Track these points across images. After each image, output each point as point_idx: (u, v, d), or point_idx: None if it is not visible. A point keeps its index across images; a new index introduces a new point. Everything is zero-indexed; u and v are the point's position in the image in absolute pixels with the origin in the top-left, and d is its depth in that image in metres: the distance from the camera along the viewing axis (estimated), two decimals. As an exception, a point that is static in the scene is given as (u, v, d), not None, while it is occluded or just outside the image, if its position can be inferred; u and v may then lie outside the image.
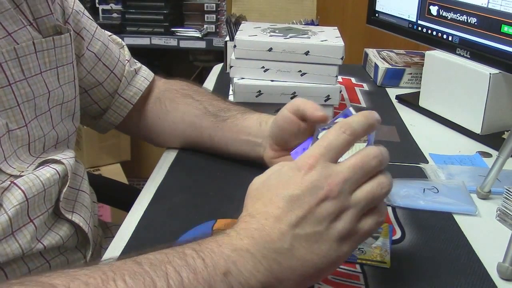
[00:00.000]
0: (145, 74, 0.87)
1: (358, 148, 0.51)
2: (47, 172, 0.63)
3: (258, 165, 0.78)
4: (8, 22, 0.62)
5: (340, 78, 1.18)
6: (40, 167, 0.64)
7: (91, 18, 0.80)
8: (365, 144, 0.52)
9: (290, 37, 0.93)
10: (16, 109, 0.62)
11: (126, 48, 0.87)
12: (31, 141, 0.65)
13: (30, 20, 0.65)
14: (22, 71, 0.63)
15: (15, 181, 0.60)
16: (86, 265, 0.42)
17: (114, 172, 2.02)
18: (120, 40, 0.87)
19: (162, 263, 0.41)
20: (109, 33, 0.85)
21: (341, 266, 0.58)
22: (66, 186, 0.66)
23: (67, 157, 0.68)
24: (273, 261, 0.44)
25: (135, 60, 0.88)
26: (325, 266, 0.46)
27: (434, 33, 1.05)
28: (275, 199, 0.46)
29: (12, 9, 0.62)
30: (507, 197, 0.67)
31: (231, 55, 0.94)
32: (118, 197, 1.05)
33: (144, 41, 2.04)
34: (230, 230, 0.46)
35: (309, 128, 0.67)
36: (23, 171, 0.62)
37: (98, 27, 0.81)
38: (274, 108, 0.92)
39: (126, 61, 0.84)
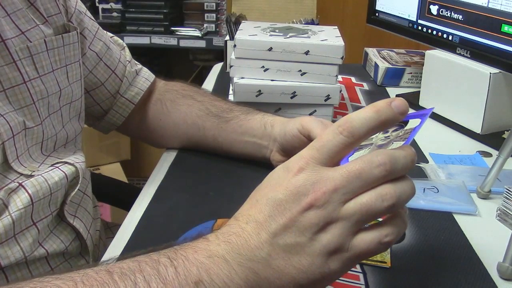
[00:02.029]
0: (146, 75, 0.87)
1: (396, 145, 0.42)
2: (56, 176, 0.63)
3: (258, 165, 0.78)
4: (20, 21, 0.62)
5: (340, 78, 1.18)
6: (50, 169, 0.64)
7: (93, 18, 0.80)
8: (403, 142, 0.43)
9: (290, 36, 0.93)
10: (32, 107, 0.62)
11: (127, 50, 0.87)
12: (45, 139, 0.65)
13: (45, 17, 0.66)
14: (36, 69, 0.63)
15: (23, 183, 0.59)
16: (59, 272, 0.41)
17: (114, 171, 2.01)
18: (121, 41, 0.88)
19: (133, 272, 0.40)
20: (111, 35, 0.85)
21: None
22: (76, 189, 0.66)
23: (79, 161, 0.68)
24: (249, 270, 0.41)
25: (136, 62, 0.88)
26: (306, 283, 0.41)
27: (434, 32, 1.04)
28: (260, 201, 0.42)
29: (24, 8, 0.63)
30: (507, 196, 0.67)
31: (231, 55, 0.93)
32: (118, 196, 1.05)
33: (144, 40, 2.04)
34: (211, 234, 0.43)
35: None
36: (34, 171, 0.62)
37: (100, 27, 0.81)
38: (274, 107, 0.92)
39: (127, 62, 0.85)
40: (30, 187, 0.60)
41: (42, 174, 0.62)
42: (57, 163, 0.65)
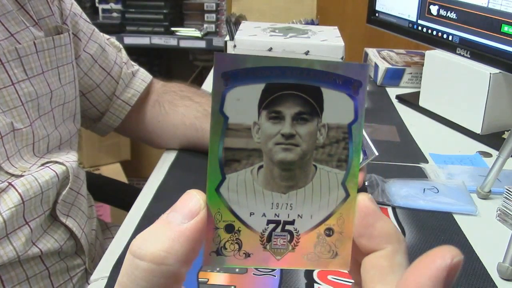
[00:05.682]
0: (143, 76, 0.86)
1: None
2: (46, 174, 0.63)
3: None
4: (10, 23, 0.62)
5: (340, 78, 1.18)
6: (40, 168, 0.64)
7: (89, 20, 0.80)
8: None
9: (290, 36, 0.93)
10: (20, 108, 0.62)
11: (123, 51, 0.87)
12: (36, 140, 0.65)
13: (35, 19, 0.66)
14: (25, 70, 0.63)
15: (12, 183, 0.60)
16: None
17: (114, 171, 2.01)
18: (118, 43, 0.87)
19: None
20: (108, 36, 0.85)
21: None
22: (67, 188, 0.66)
23: (70, 160, 0.68)
24: None
25: (133, 63, 0.88)
26: None
27: (434, 32, 1.04)
28: None
29: (14, 10, 0.63)
30: (507, 197, 0.67)
31: (231, 55, 0.93)
32: (118, 196, 1.05)
33: (144, 40, 2.04)
34: None
35: None
36: (24, 171, 0.62)
37: (96, 29, 0.81)
38: (274, 108, 0.92)
39: (123, 63, 0.84)
40: (20, 186, 0.60)
41: (32, 174, 0.62)
42: (48, 162, 0.65)
